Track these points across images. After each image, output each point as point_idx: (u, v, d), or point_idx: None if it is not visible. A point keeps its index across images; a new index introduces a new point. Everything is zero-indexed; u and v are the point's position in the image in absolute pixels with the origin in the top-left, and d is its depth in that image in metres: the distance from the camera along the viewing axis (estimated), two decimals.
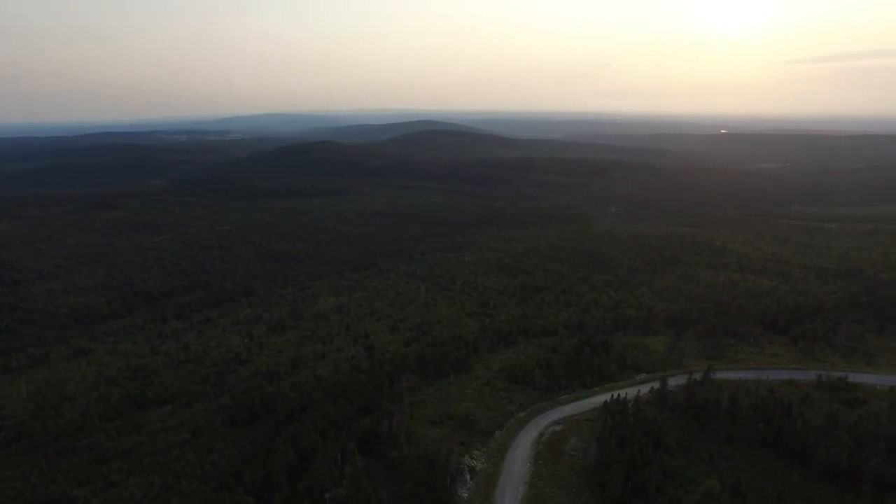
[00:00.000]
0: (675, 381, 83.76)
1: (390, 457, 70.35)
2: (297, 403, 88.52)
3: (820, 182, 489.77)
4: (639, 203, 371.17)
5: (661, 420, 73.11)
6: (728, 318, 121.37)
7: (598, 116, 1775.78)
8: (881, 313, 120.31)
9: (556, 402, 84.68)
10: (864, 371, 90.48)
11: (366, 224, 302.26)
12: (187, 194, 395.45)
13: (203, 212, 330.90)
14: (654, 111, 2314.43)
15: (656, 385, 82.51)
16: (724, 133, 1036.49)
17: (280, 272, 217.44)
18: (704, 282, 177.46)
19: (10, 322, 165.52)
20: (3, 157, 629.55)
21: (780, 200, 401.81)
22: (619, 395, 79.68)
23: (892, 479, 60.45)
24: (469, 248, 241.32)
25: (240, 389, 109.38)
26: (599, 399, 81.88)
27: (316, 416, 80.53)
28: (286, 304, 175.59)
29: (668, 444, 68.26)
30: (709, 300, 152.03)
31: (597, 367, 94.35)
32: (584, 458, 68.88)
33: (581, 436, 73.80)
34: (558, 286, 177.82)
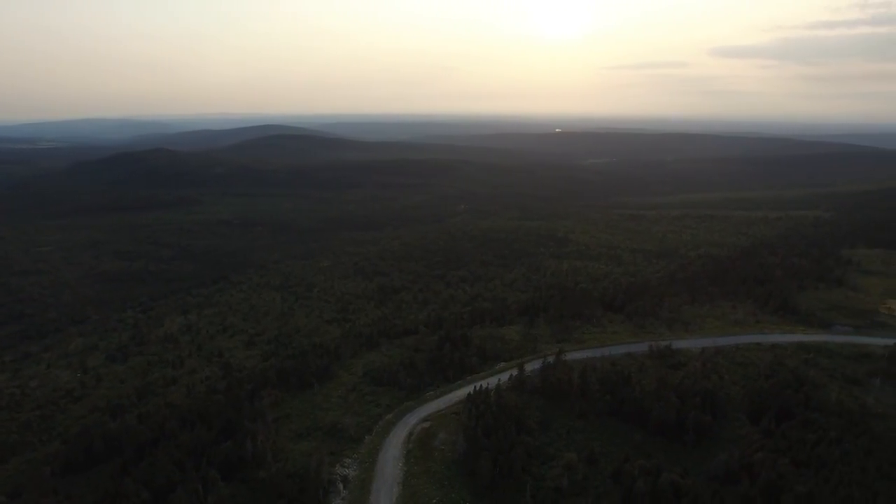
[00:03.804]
0: (532, 366, 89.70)
1: (258, 478, 67.04)
2: (148, 436, 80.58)
3: (639, 174, 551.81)
4: (486, 200, 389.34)
5: (522, 404, 78.11)
6: (573, 302, 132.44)
7: (444, 118, 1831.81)
8: (692, 286, 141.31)
9: (422, 399, 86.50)
10: (683, 337, 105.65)
11: (212, 236, 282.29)
12: None
13: (13, 232, 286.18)
14: (494, 112, 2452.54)
15: (515, 372, 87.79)
16: (557, 132, 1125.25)
17: (117, 294, 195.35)
18: (550, 271, 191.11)
19: None
20: None
21: (608, 192, 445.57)
22: (481, 385, 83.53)
23: (707, 426, 71.69)
24: (323, 254, 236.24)
25: (74, 431, 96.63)
26: (463, 392, 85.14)
27: (171, 448, 74.09)
28: (126, 328, 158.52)
29: (529, 426, 73.19)
30: (555, 287, 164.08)
31: (458, 360, 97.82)
32: (454, 450, 71.26)
33: (449, 429, 76.20)
34: (415, 285, 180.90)
